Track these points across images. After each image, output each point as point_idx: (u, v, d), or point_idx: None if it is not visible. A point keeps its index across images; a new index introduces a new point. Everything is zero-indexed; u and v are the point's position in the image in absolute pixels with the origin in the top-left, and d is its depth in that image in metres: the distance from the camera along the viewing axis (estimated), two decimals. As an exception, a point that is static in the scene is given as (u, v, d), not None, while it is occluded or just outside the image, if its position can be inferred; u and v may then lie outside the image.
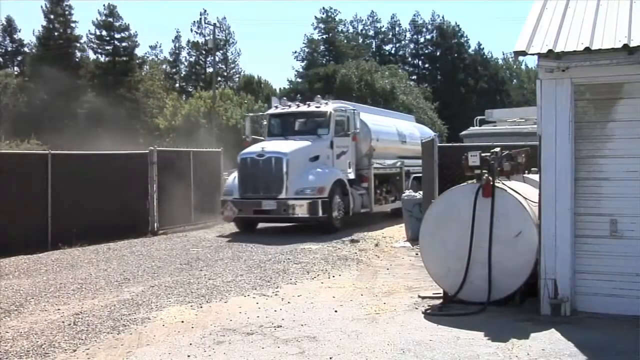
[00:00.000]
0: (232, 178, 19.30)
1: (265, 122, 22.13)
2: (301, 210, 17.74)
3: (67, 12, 73.29)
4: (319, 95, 21.85)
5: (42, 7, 73.04)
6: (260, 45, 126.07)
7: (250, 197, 18.27)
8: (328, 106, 20.18)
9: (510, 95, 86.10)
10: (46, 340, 8.13)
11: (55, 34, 73.18)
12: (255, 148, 18.95)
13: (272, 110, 21.43)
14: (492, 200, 9.46)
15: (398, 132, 23.93)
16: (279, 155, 18.09)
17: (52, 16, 72.90)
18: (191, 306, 9.84)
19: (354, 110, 20.38)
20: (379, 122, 23.18)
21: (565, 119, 8.73)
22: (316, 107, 20.36)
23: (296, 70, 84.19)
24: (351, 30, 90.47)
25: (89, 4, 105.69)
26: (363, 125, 20.81)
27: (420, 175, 21.34)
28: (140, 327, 8.78)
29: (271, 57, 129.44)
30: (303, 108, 20.82)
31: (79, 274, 12.45)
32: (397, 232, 18.62)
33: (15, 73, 75.18)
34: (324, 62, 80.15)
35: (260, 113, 22.82)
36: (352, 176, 20.07)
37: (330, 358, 7.24)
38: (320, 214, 17.68)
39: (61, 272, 12.86)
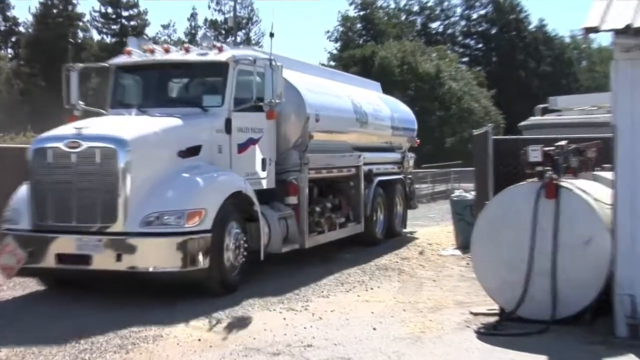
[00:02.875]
0: (21, 191, 11.75)
1: (110, 82, 13.97)
2: (154, 257, 10.72)
3: (68, -13, 74.11)
4: (206, 32, 15.48)
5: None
6: (288, 24, 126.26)
7: (52, 229, 10.99)
8: (224, 53, 12.95)
9: (578, 80, 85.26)
10: None
11: (54, 11, 73.69)
12: (64, 130, 11.54)
13: (120, 59, 13.73)
14: (557, 201, 9.33)
15: (355, 108, 16.81)
16: (109, 145, 10.82)
17: (51, -9, 73.73)
18: (209, 322, 9.84)
19: (272, 61, 12.50)
20: (321, 88, 15.93)
21: (645, 107, 8.57)
22: (200, 54, 13.17)
23: (329, 52, 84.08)
24: (392, 5, 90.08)
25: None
26: (292, 92, 13.88)
27: (390, 178, 18.48)
28: (152, 345, 8.78)
29: (300, 37, 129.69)
30: (176, 55, 13.33)
31: None
32: (444, 237, 18.52)
33: (9, 56, 75.71)
34: (360, 42, 79.91)
35: (101, 64, 14.85)
36: (267, 184, 13.37)
37: (368, 383, 7.22)
38: (197, 263, 10.81)
39: None
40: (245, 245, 11.87)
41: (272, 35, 12.30)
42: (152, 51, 13.20)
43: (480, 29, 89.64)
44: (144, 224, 10.74)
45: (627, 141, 8.62)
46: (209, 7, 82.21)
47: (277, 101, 12.59)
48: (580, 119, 20.13)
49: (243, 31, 79.42)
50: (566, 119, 20.99)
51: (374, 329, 9.36)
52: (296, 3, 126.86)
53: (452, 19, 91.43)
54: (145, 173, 11.08)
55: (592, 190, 9.80)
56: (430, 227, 21.75)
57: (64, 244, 10.91)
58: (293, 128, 14.23)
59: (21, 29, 78.14)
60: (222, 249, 11.30)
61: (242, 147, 12.79)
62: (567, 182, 9.63)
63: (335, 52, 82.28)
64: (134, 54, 13.33)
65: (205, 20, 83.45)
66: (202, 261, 10.85)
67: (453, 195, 18.62)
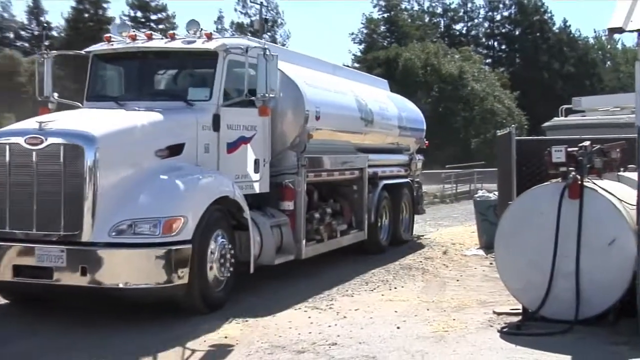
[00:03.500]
0: None
1: (88, 73, 12.22)
2: (124, 272, 9.07)
3: (99, -9, 74.61)
4: (195, 19, 11.68)
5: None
6: (313, 26, 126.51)
7: (9, 237, 9.35)
8: (213, 41, 11.24)
9: (602, 80, 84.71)
10: None
11: (86, 15, 74.37)
12: (26, 124, 9.94)
13: (99, 47, 12.01)
14: (581, 202, 9.24)
15: (359, 105, 15.10)
16: (75, 142, 9.16)
17: (82, -5, 74.23)
18: (235, 320, 9.82)
19: (266, 50, 10.86)
20: (323, 83, 14.13)
21: (669, 107, 8.47)
22: (187, 42, 11.39)
23: (353, 54, 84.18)
24: (416, 7, 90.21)
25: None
26: (290, 86, 12.36)
27: (397, 182, 17.04)
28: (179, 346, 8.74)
29: (325, 39, 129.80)
30: (159, 43, 11.58)
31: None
32: (468, 237, 18.44)
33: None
34: (385, 44, 79.86)
35: (77, 51, 12.46)
36: (260, 188, 11.75)
37: (392, 382, 7.19)
38: (175, 279, 9.22)
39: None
40: (232, 260, 10.32)
41: (266, 21, 11.31)
42: (133, 38, 11.50)
43: (503, 30, 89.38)
44: (113, 233, 9.07)
45: (651, 142, 8.51)
46: (235, 10, 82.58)
47: (271, 95, 10.87)
48: (604, 120, 19.90)
49: (269, 33, 79.74)
50: (590, 119, 20.78)
51: (398, 327, 9.32)
52: (320, 5, 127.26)
53: (476, 21, 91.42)
54: (116, 175, 9.42)
55: (616, 191, 9.69)
56: (454, 227, 21.70)
57: (23, 254, 9.19)
58: (290, 126, 12.50)
59: (54, 33, 78.94)
60: (205, 262, 9.76)
61: (231, 147, 11.11)
62: (591, 183, 9.54)
63: (359, 53, 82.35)
64: (115, 42, 11.68)
65: (232, 22, 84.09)
66: (181, 276, 9.24)
67: (476, 195, 18.56)
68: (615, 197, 9.42)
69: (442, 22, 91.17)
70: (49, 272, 8.98)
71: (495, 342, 8.62)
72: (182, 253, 9.26)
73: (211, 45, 11.10)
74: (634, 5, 8.56)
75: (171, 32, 11.55)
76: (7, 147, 9.30)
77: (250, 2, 79.69)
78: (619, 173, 11.06)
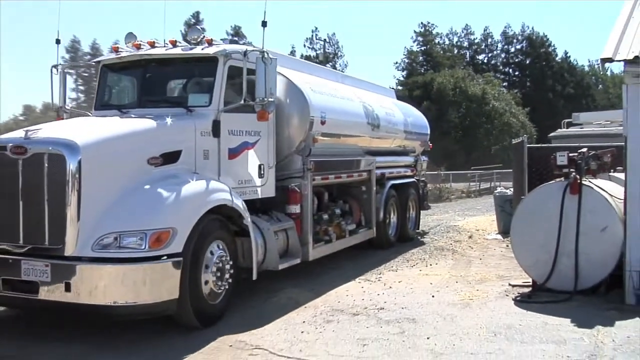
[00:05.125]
0: None
1: (97, 83, 10.19)
2: (109, 289, 6.85)
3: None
4: (197, 26, 10.72)
5: (181, 31, 74.77)
6: (366, 57, 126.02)
7: None
8: (212, 47, 9.10)
9: (595, 100, 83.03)
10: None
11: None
12: (14, 133, 7.88)
13: (106, 57, 10.11)
14: (579, 197, 9.14)
15: (366, 111, 12.90)
16: (57, 150, 7.08)
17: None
18: (305, 288, 9.86)
19: (265, 53, 8.59)
20: (328, 90, 11.80)
21: (650, 121, 8.32)
22: (187, 48, 9.25)
23: (397, 79, 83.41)
24: (447, 42, 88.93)
25: (220, 25, 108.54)
26: (295, 93, 10.38)
27: (403, 182, 14.89)
28: (260, 303, 8.90)
29: (375, 67, 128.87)
30: (159, 50, 9.32)
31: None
32: (489, 224, 18.21)
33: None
34: (422, 71, 79.17)
35: (88, 62, 9.21)
36: (265, 192, 9.66)
37: (428, 338, 7.18)
38: (164, 295, 7.10)
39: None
40: (231, 271, 8.19)
41: (264, 24, 8.48)
42: (138, 47, 9.35)
43: (517, 59, 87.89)
44: (98, 246, 6.93)
45: (635, 148, 8.45)
46: (304, 46, 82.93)
47: (271, 99, 8.68)
48: (597, 131, 19.49)
49: (330, 63, 79.91)
50: (586, 131, 20.34)
51: (433, 296, 9.31)
52: (371, 40, 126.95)
53: (495, 52, 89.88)
54: (101, 184, 7.19)
55: (608, 188, 9.58)
56: (478, 217, 21.43)
57: (10, 267, 7.12)
58: (296, 131, 10.45)
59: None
60: (199, 276, 7.56)
61: (233, 153, 8.97)
62: (587, 182, 9.44)
63: (401, 78, 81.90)
64: (122, 51, 9.63)
65: (302, 55, 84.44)
66: (171, 292, 7.11)
67: (496, 191, 18.40)
68: (607, 192, 9.32)
69: (468, 53, 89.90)
70: (36, 287, 6.96)
71: (510, 308, 8.56)
72: (171, 268, 7.08)
73: (211, 51, 8.99)
74: (621, 40, 8.48)
75: (172, 39, 9.40)
76: None
77: (316, 39, 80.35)
78: (610, 174, 10.91)
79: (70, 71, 10.14)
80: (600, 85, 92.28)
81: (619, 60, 8.17)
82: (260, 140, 9.40)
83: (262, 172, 9.43)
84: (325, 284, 10.28)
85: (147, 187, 7.47)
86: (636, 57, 8.04)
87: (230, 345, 7.08)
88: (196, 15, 77.90)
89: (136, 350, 6.97)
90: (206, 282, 7.71)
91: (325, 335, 7.37)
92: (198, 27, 9.73)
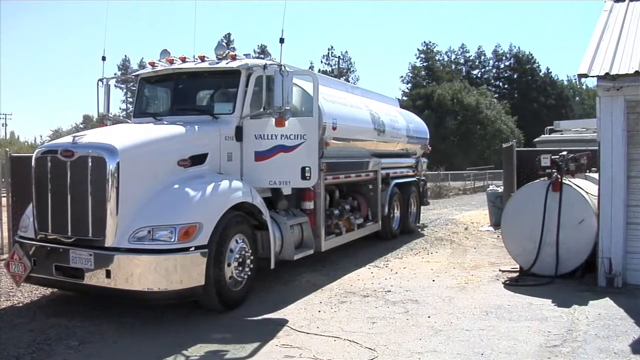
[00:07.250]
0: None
1: (136, 93, 10.18)
2: (143, 276, 6.84)
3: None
4: (224, 42, 8.80)
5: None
6: (375, 71, 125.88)
7: (51, 240, 7.45)
8: (236, 61, 8.98)
9: (573, 110, 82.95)
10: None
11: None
12: (64, 139, 7.97)
13: (144, 71, 9.92)
14: (560, 194, 9.14)
15: (373, 118, 12.62)
16: (98, 153, 7.12)
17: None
18: (321, 274, 9.93)
19: (282, 67, 8.35)
20: (339, 99, 11.63)
21: (619, 128, 8.34)
22: (214, 62, 9.14)
23: (402, 91, 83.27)
24: (446, 59, 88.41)
25: (248, 44, 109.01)
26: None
27: (406, 181, 14.56)
28: (282, 287, 8.96)
29: (383, 81, 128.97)
30: (189, 65, 9.26)
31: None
32: (482, 218, 18.16)
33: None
34: (424, 84, 78.88)
35: (128, 75, 8.07)
36: (282, 190, 9.50)
37: (429, 317, 7.22)
38: (191, 282, 7.05)
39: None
40: (251, 258, 7.96)
41: (282, 41, 8.34)
42: (171, 61, 9.36)
43: (506, 74, 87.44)
44: (133, 239, 6.95)
45: (607, 152, 8.46)
46: (321, 62, 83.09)
47: (284, 107, 8.28)
48: (575, 137, 19.38)
49: (344, 77, 79.87)
50: (566, 136, 20.23)
51: (433, 280, 9.33)
52: (379, 56, 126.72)
53: (487, 68, 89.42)
54: (137, 184, 7.21)
55: (584, 186, 9.57)
56: (472, 211, 21.35)
57: (61, 255, 7.26)
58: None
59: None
60: (222, 265, 7.47)
61: (261, 155, 8.61)
62: (567, 181, 9.43)
63: (406, 90, 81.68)
64: (157, 65, 9.58)
65: (319, 70, 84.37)
66: (197, 279, 7.08)
67: (488, 189, 18.31)
68: (584, 190, 9.31)
69: (464, 68, 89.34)
70: (81, 272, 7.07)
71: (500, 290, 8.59)
72: (198, 258, 7.08)
73: (234, 65, 8.86)
74: (594, 59, 8.48)
75: (201, 54, 9.31)
76: (47, 159, 7.44)
77: (332, 56, 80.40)
78: (586, 174, 10.87)
79: (121, 85, 9.40)
80: (577, 97, 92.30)
81: (593, 76, 8.15)
82: (304, 144, 8.63)
83: (306, 175, 8.65)
84: (339, 270, 10.30)
85: (176, 186, 7.44)
86: (607, 73, 8.03)
87: (257, 323, 7.15)
88: (227, 36, 78.37)
89: (174, 329, 6.98)
90: (229, 271, 7.60)
91: (340, 314, 7.42)
92: (223, 44, 9.43)
